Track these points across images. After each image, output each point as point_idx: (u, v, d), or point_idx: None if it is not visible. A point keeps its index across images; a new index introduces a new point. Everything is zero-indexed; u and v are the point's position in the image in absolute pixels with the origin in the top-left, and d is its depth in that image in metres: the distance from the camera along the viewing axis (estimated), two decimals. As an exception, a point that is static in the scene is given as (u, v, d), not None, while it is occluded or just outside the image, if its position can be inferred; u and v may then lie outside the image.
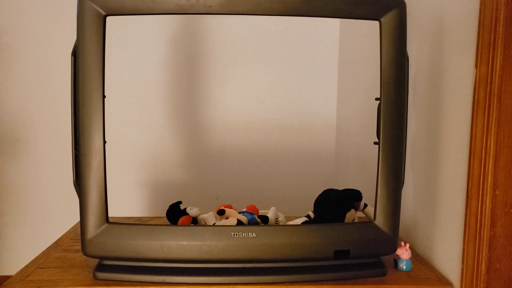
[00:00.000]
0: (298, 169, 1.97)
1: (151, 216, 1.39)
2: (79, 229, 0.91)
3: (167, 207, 1.17)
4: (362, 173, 1.61)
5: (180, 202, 1.17)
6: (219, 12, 0.85)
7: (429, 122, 1.09)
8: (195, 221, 1.13)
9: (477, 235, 0.88)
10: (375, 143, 0.92)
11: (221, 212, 1.05)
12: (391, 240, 0.93)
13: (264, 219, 1.12)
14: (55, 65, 1.83)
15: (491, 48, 0.83)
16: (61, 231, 1.25)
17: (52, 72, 1.85)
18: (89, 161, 0.87)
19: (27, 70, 1.88)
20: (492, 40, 0.83)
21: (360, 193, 1.09)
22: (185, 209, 1.13)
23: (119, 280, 0.90)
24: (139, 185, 1.93)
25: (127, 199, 1.88)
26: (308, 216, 1.14)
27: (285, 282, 0.91)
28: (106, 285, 0.90)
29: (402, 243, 0.99)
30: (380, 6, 0.88)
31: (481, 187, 0.87)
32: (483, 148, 0.86)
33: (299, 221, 1.12)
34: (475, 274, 0.89)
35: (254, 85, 1.95)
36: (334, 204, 1.07)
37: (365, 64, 1.63)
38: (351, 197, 1.08)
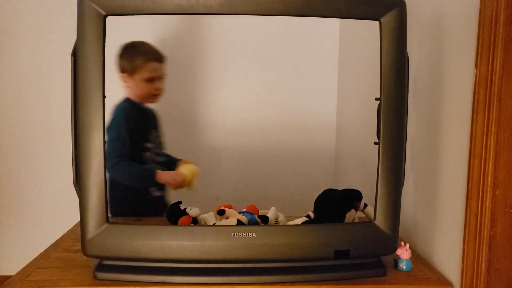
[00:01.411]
0: (298, 169, 1.96)
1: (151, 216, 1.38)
2: (79, 229, 0.91)
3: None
4: (362, 173, 1.61)
5: (180, 202, 1.17)
6: (219, 12, 0.85)
7: (429, 122, 1.09)
8: (195, 221, 1.12)
9: (477, 235, 0.88)
10: (375, 143, 0.92)
11: (221, 212, 1.05)
12: (391, 240, 0.93)
13: (264, 219, 1.11)
14: (55, 65, 1.83)
15: (491, 48, 0.83)
16: (61, 231, 1.25)
17: (52, 72, 1.85)
18: (89, 161, 0.87)
19: (27, 70, 1.87)
20: (492, 40, 0.83)
21: (360, 193, 1.09)
22: (185, 209, 1.13)
23: (119, 280, 0.90)
24: (139, 185, 1.92)
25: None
26: (308, 216, 1.14)
27: (285, 282, 0.91)
28: (106, 285, 0.89)
29: (402, 243, 0.99)
30: (380, 6, 0.88)
31: (481, 187, 0.87)
32: (483, 148, 0.86)
33: (299, 221, 1.12)
34: (475, 274, 0.89)
35: (254, 85, 1.94)
36: (334, 204, 1.07)
37: (365, 64, 1.63)
38: (351, 197, 1.08)
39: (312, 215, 1.14)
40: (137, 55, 1.41)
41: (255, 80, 1.95)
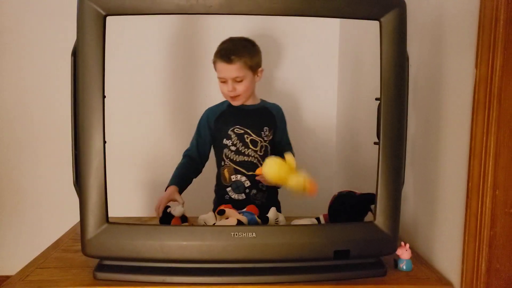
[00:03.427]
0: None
1: (151, 216, 1.38)
2: (79, 229, 0.91)
3: (167, 207, 1.18)
4: (362, 173, 1.61)
5: (168, 207, 1.18)
6: (219, 12, 0.85)
7: (429, 122, 1.08)
8: (184, 219, 1.13)
9: (477, 235, 0.88)
10: (375, 143, 0.92)
11: (221, 212, 1.05)
12: (391, 240, 0.93)
13: (264, 219, 1.11)
14: (55, 65, 1.83)
15: (491, 48, 0.83)
16: (61, 231, 1.25)
17: (52, 72, 1.85)
18: (89, 161, 0.87)
19: (27, 70, 1.87)
20: (492, 40, 0.83)
21: (375, 196, 1.07)
22: (167, 208, 1.14)
23: (119, 280, 0.90)
24: (139, 185, 1.93)
25: (127, 199, 1.87)
26: (318, 219, 1.13)
27: (285, 282, 0.91)
28: (106, 285, 0.90)
29: (402, 243, 0.99)
30: (380, 6, 0.88)
31: (481, 187, 0.87)
32: (483, 148, 0.85)
33: (307, 221, 1.11)
34: (475, 274, 0.89)
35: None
36: (352, 212, 1.06)
37: (365, 64, 1.63)
38: (368, 202, 1.05)
39: (322, 218, 1.13)
40: (215, 52, 1.35)
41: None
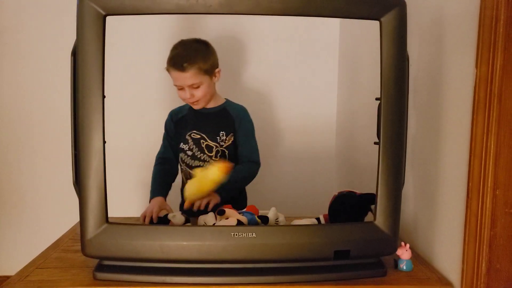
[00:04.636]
0: (298, 169, 1.96)
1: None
2: (78, 229, 0.91)
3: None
4: (362, 173, 1.61)
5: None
6: (219, 12, 0.85)
7: (430, 122, 1.08)
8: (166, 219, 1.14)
9: (478, 235, 0.88)
10: (375, 143, 0.92)
11: (221, 212, 1.05)
12: (391, 240, 0.93)
13: (264, 220, 1.11)
14: (54, 65, 1.83)
15: (492, 48, 0.83)
16: (61, 231, 1.25)
17: (51, 71, 1.85)
18: (88, 161, 0.87)
19: (26, 70, 1.87)
20: (492, 40, 0.83)
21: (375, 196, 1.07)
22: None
23: (118, 281, 0.90)
24: (139, 185, 1.92)
25: (127, 199, 1.87)
26: (318, 219, 1.13)
27: (285, 283, 0.91)
28: (105, 285, 0.90)
29: (403, 243, 0.99)
30: (380, 6, 0.88)
31: (481, 187, 0.87)
32: (484, 148, 0.85)
33: (307, 221, 1.11)
34: (475, 275, 0.89)
35: (254, 85, 1.94)
36: (352, 212, 1.06)
37: (365, 64, 1.63)
38: (369, 202, 1.05)
39: (322, 218, 1.13)
40: (167, 59, 1.31)
41: (254, 80, 1.95)
